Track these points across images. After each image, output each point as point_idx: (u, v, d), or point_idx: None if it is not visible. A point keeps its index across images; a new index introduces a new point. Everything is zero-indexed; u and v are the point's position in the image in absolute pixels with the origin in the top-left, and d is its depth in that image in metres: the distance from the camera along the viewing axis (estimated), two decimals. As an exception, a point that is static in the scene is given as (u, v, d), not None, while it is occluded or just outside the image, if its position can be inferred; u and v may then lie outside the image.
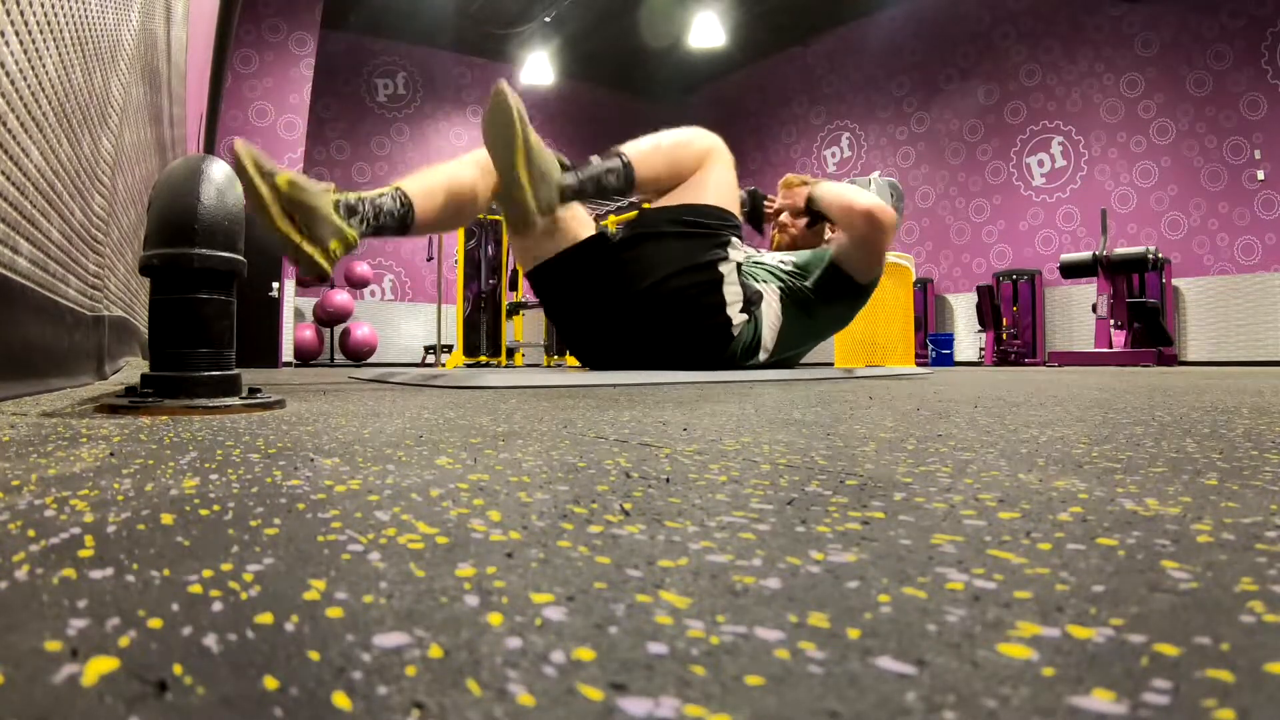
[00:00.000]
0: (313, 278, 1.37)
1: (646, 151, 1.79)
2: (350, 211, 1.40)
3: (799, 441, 0.56)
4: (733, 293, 1.90)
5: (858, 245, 2.01)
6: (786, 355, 2.12)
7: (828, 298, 2.07)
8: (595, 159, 1.69)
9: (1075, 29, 6.89)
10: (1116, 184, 6.64)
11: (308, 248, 1.32)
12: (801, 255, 2.15)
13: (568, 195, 1.59)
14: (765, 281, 2.06)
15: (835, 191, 2.05)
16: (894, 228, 2.03)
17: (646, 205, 2.01)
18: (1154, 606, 0.20)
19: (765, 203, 2.23)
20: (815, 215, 2.17)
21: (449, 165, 1.67)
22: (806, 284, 2.07)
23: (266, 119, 6.63)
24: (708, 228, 1.89)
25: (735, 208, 1.97)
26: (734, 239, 1.94)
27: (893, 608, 0.20)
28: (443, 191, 1.57)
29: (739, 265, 1.93)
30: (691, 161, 1.89)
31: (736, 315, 1.90)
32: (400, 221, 1.48)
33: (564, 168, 1.59)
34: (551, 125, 9.60)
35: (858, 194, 2.00)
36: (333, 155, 8.53)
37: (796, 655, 0.17)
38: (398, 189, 1.50)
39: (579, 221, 1.90)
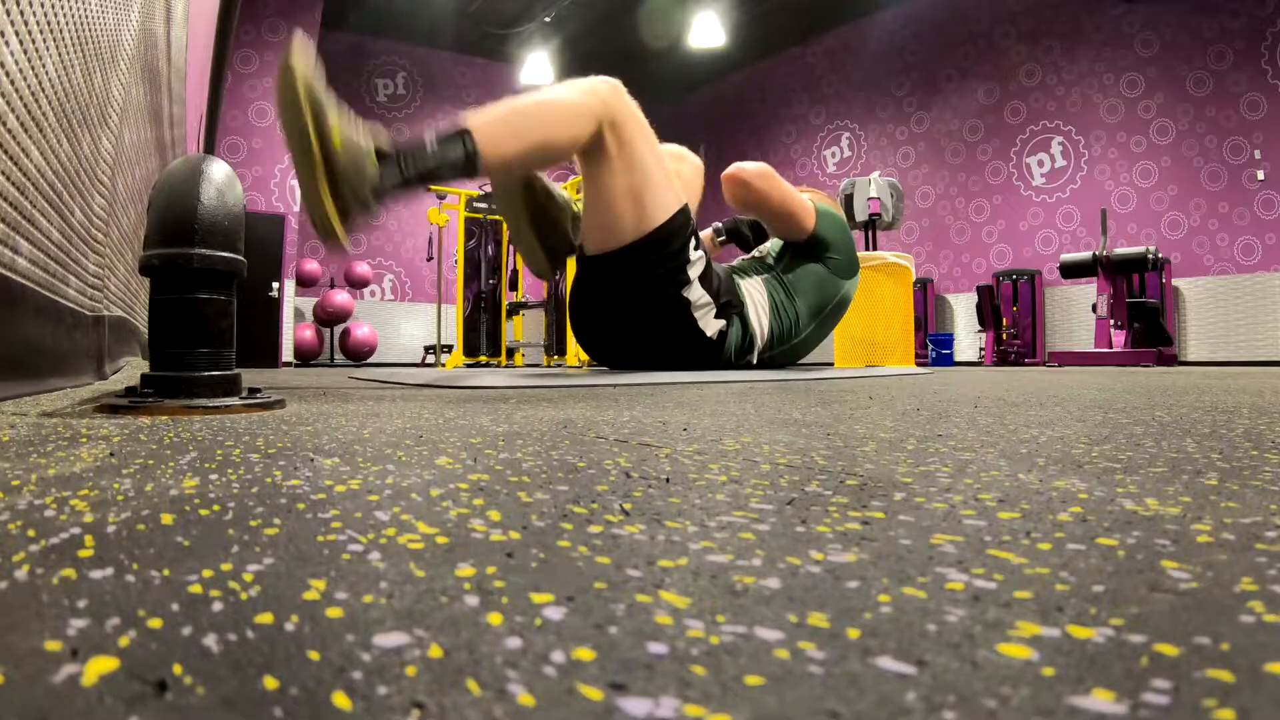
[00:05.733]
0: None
1: (499, 130, 1.48)
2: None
3: (799, 441, 0.56)
4: (704, 311, 1.87)
5: (751, 210, 2.14)
6: (790, 344, 2.15)
7: (793, 266, 2.19)
8: (429, 138, 1.40)
9: (1075, 29, 6.89)
10: (1116, 184, 6.63)
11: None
12: (771, 245, 2.30)
13: (386, 195, 1.34)
14: (745, 274, 2.15)
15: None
16: (760, 175, 2.06)
17: (582, 250, 1.87)
18: (1154, 606, 0.20)
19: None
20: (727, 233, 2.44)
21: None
22: (776, 264, 2.20)
23: (266, 119, 6.63)
24: (656, 259, 1.77)
25: (670, 194, 1.77)
26: (688, 249, 1.80)
27: (893, 608, 0.20)
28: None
29: (701, 274, 1.85)
30: (570, 132, 1.59)
31: (714, 325, 1.90)
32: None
33: (382, 156, 1.32)
34: (551, 125, 9.58)
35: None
36: (333, 155, 8.52)
37: (796, 655, 0.17)
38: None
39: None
